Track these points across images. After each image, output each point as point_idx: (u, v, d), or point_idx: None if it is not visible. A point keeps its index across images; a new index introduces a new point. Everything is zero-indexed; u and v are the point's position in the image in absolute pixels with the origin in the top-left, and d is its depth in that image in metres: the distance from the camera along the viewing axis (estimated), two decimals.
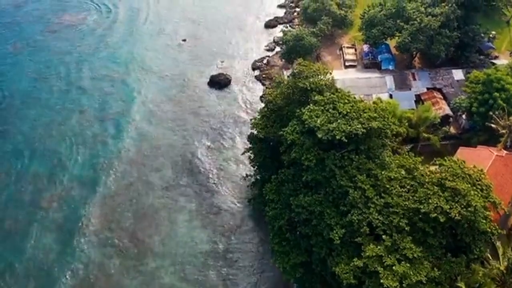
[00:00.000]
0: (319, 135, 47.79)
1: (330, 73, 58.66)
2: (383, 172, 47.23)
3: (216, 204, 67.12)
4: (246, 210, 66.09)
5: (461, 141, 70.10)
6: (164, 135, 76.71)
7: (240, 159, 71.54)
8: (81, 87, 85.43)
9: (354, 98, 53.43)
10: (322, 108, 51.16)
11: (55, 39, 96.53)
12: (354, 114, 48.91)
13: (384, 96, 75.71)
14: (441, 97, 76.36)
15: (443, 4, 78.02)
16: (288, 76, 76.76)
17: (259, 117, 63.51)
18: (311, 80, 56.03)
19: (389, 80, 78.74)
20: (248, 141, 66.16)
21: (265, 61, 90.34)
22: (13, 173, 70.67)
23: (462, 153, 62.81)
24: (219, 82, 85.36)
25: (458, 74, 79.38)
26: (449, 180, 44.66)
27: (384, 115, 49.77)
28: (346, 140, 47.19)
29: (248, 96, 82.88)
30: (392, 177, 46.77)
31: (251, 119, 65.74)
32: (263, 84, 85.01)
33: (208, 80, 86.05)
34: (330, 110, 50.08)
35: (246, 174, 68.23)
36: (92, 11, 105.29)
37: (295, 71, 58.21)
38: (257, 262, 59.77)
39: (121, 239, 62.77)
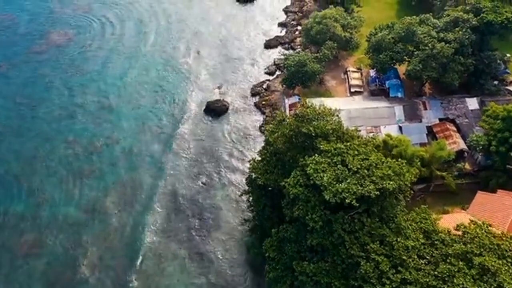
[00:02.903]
0: (326, 197, 42.13)
1: (337, 116, 52.87)
2: (399, 240, 41.61)
3: (211, 251, 61.44)
4: (243, 258, 60.32)
5: (477, 180, 64.87)
6: (155, 170, 70.92)
7: (238, 199, 65.78)
8: (67, 114, 79.67)
9: (364, 147, 47.66)
10: (329, 160, 45.53)
11: (42, 60, 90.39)
12: (365, 171, 43.25)
13: (393, 129, 70.58)
14: (455, 129, 70.72)
15: (456, 29, 72.24)
16: (290, 112, 72.03)
17: (258, 158, 57.87)
18: (315, 124, 50.29)
19: (398, 110, 73.10)
20: (246, 184, 60.54)
21: (264, 86, 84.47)
22: None
23: (481, 199, 57.51)
24: (215, 110, 79.59)
25: (472, 103, 73.70)
26: (475, 255, 38.99)
27: (399, 171, 44.00)
28: (357, 204, 41.48)
29: (246, 127, 76.93)
30: (410, 246, 41.00)
31: (249, 161, 59.99)
32: (262, 113, 79.21)
33: (204, 107, 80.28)
34: (338, 165, 44.34)
35: (245, 219, 62.49)
36: (85, 27, 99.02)
37: (298, 113, 52.38)
38: None
39: None
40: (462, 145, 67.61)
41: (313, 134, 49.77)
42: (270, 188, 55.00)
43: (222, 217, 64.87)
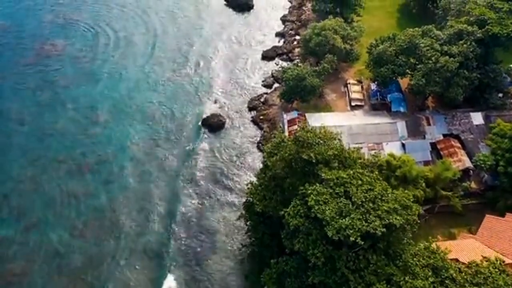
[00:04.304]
0: (329, 234, 39.59)
1: (339, 139, 50.34)
2: (407, 279, 39.07)
3: (207, 277, 58.82)
4: (241, 286, 57.75)
5: (483, 200, 62.50)
6: (149, 188, 68.15)
7: (236, 222, 62.95)
8: (58, 131, 76.37)
9: (368, 175, 45.11)
10: (331, 191, 42.99)
11: (31, 73, 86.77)
12: (370, 204, 40.66)
13: (396, 145, 68.25)
14: (459, 145, 68.29)
15: (460, 41, 69.68)
16: (288, 128, 69.47)
17: (256, 183, 55.33)
18: (316, 149, 47.73)
19: (400, 126, 70.63)
20: (243, 209, 57.97)
21: (262, 99, 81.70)
22: None
23: (490, 224, 55.28)
24: (212, 125, 76.87)
25: (477, 118, 71.26)
26: None
27: (406, 203, 41.41)
28: (362, 242, 38.93)
29: (244, 144, 74.12)
30: (418, 287, 38.50)
31: (247, 184, 57.42)
32: (260, 128, 76.51)
33: (200, 122, 77.54)
34: (341, 197, 41.78)
35: (242, 244, 59.93)
36: (79, 37, 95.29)
37: (298, 138, 49.71)
38: None
39: None
40: (467, 163, 65.15)
41: (314, 161, 47.24)
42: (269, 217, 52.44)
43: (219, 241, 62.25)
